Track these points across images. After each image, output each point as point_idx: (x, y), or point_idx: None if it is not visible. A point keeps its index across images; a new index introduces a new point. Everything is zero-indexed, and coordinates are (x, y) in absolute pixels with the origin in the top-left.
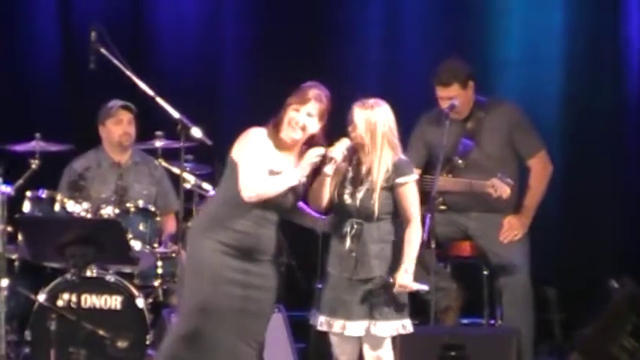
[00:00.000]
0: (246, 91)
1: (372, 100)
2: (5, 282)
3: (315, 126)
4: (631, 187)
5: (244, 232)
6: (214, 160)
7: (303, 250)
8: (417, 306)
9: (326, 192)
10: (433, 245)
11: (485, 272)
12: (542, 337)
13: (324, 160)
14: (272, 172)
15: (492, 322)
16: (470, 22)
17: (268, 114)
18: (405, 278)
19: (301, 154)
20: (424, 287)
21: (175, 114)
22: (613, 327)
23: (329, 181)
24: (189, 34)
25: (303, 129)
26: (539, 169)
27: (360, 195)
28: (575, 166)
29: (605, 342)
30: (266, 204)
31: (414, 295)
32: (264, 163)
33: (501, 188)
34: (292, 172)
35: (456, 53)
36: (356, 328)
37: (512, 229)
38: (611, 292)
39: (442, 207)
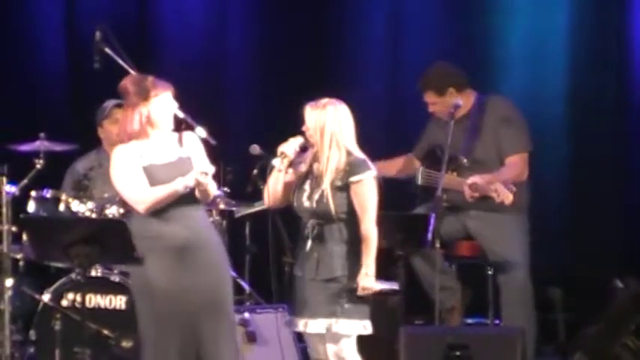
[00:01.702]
0: (250, 91)
1: (325, 100)
2: (10, 282)
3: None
4: (635, 186)
5: (162, 237)
6: (219, 159)
7: None
8: (422, 305)
9: (280, 188)
10: (438, 245)
11: (489, 272)
12: (546, 337)
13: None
14: (155, 167)
15: (497, 322)
16: (474, 22)
17: (273, 114)
18: (367, 281)
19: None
20: (392, 286)
21: (180, 114)
22: (617, 327)
23: (282, 176)
24: (194, 35)
25: (174, 113)
26: (516, 167)
27: (316, 197)
28: (579, 166)
29: (608, 341)
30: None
31: (420, 294)
32: (137, 172)
33: (504, 194)
34: (178, 181)
35: (461, 52)
36: (317, 325)
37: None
38: (616, 292)
39: (445, 204)
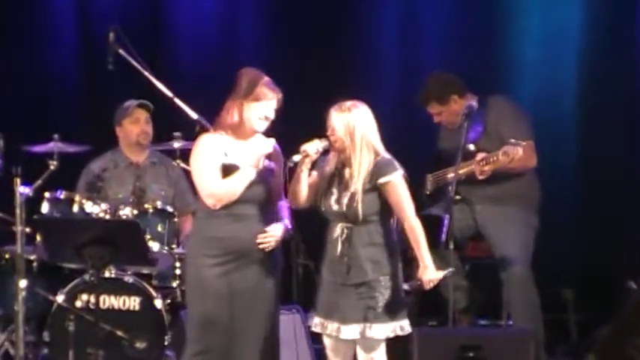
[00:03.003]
0: None
1: (349, 103)
2: (24, 283)
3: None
4: None
5: (223, 238)
6: None
7: (320, 250)
8: (435, 307)
9: (302, 188)
10: (451, 246)
11: None
12: (558, 338)
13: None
14: (234, 167)
15: (510, 322)
16: (487, 22)
17: (286, 113)
18: (429, 274)
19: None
20: (449, 270)
21: (193, 115)
22: (630, 328)
23: (304, 176)
24: (207, 35)
25: (269, 120)
26: (523, 154)
27: (345, 200)
28: (592, 165)
29: (622, 343)
30: (235, 201)
31: (433, 296)
32: (216, 166)
33: (513, 150)
34: (245, 167)
35: (472, 53)
36: (351, 331)
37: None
38: (629, 293)
39: (457, 197)
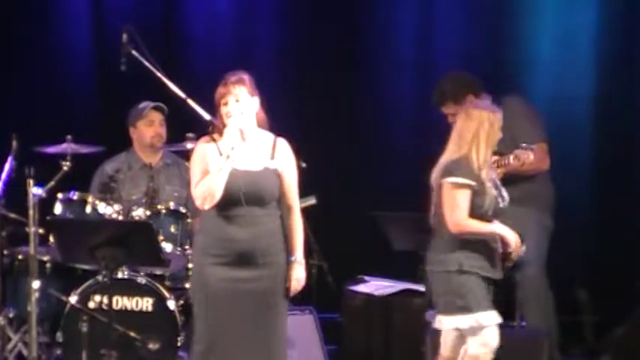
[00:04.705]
0: (278, 92)
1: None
2: (37, 284)
3: (250, 106)
4: None
5: (224, 239)
6: None
7: (334, 251)
8: None
9: None
10: None
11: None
12: (573, 339)
13: None
14: (234, 171)
15: (524, 323)
16: (503, 22)
17: (302, 114)
18: None
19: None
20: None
21: (206, 115)
22: None
23: None
24: (220, 35)
25: (240, 114)
26: (536, 155)
27: (505, 194)
28: (607, 166)
29: (637, 343)
30: (231, 202)
31: None
32: (204, 169)
33: (523, 155)
34: (219, 162)
35: (488, 53)
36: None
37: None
38: None
39: None
